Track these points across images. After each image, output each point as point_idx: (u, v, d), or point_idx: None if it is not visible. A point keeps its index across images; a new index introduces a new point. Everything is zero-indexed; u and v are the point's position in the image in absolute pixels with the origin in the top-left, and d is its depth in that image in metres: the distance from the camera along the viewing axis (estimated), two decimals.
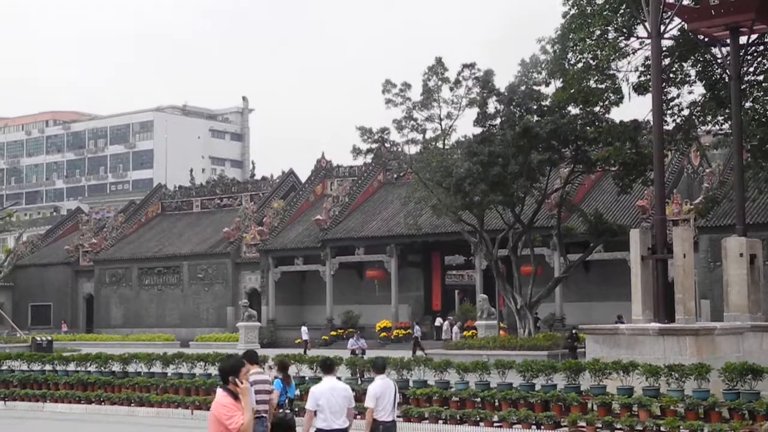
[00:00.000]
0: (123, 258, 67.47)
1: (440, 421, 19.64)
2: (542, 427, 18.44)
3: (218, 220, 67.00)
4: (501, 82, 36.27)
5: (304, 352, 39.17)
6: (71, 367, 25.98)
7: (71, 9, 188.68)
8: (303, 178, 66.94)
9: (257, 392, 12.17)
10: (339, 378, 13.30)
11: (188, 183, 75.32)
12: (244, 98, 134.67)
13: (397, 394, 12.42)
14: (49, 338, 49.45)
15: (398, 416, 19.58)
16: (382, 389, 12.06)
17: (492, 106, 36.10)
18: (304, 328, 49.86)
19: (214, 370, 23.73)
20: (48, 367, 26.19)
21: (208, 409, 21.72)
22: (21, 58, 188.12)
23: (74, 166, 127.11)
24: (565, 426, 18.26)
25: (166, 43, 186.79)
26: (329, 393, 11.44)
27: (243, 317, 54.93)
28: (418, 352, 39.28)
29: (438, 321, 52.71)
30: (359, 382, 21.29)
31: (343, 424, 11.42)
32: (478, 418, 19.23)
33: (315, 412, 11.37)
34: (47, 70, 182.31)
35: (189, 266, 64.07)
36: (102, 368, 25.14)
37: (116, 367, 24.94)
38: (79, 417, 23.24)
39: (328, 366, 11.93)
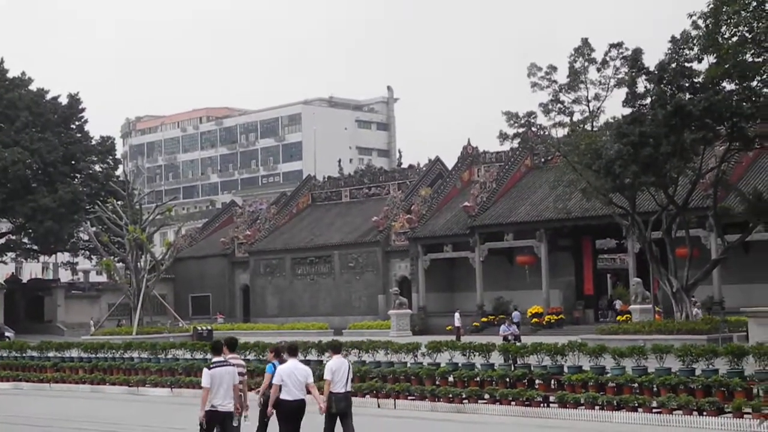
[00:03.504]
0: (276, 249, 69.16)
1: (597, 407, 19.37)
2: (704, 413, 17.92)
3: (367, 209, 67.81)
4: (650, 61, 35.29)
5: (457, 338, 39.23)
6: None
7: (218, 12, 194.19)
8: (449, 166, 66.97)
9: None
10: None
11: (337, 173, 76.53)
12: (389, 88, 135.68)
13: (350, 372, 15.08)
14: (210, 328, 51.24)
15: (553, 402, 19.61)
16: (337, 366, 14.79)
17: (641, 85, 35.15)
18: (456, 315, 49.91)
19: (368, 357, 24.09)
20: (209, 356, 27.06)
21: (363, 395, 22.18)
22: (174, 57, 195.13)
23: (227, 161, 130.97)
24: (728, 412, 17.69)
25: (310, 36, 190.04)
26: (290, 370, 14.12)
27: (394, 305, 55.53)
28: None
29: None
30: (512, 368, 21.22)
31: (301, 395, 14.14)
32: (636, 404, 18.87)
33: (280, 387, 14.05)
34: (199, 69, 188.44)
35: (340, 255, 65.13)
36: (260, 356, 25.86)
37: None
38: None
39: (293, 350, 14.58)
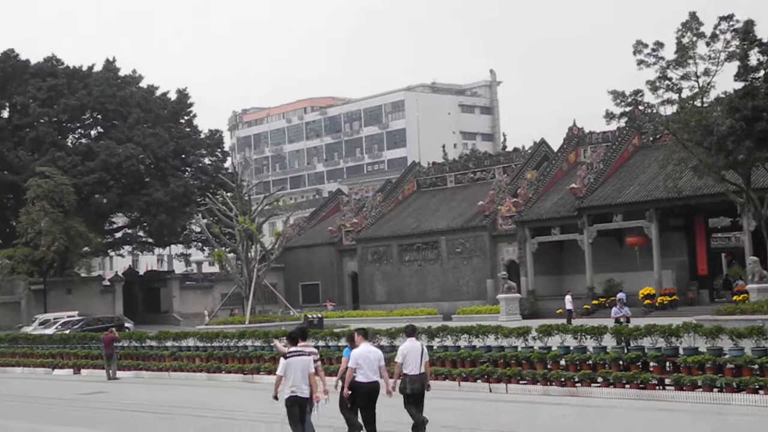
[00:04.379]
0: (383, 236, 69.52)
1: (715, 389, 18.94)
2: None
3: (472, 193, 67.55)
4: (763, 33, 34.18)
5: (568, 321, 38.75)
6: (342, 342, 27.09)
7: (318, 4, 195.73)
8: (555, 148, 66.16)
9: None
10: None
11: (441, 159, 76.42)
12: (491, 71, 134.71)
13: (424, 355, 15.64)
14: (320, 315, 51.79)
15: (669, 384, 19.25)
16: (409, 348, 15.53)
17: (754, 58, 34.12)
18: (567, 297, 49.35)
19: (479, 342, 24.05)
20: (321, 343, 27.41)
21: (474, 380, 22.16)
22: (277, 49, 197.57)
23: (332, 150, 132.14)
24: None
25: (413, 23, 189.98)
26: (365, 354, 14.89)
27: (503, 289, 55.20)
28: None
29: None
30: (625, 351, 20.88)
31: (375, 377, 14.85)
32: (757, 386, 18.36)
33: (355, 370, 14.80)
34: (302, 60, 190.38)
35: (447, 241, 65.08)
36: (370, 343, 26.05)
37: (384, 342, 25.76)
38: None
39: (365, 334, 15.47)
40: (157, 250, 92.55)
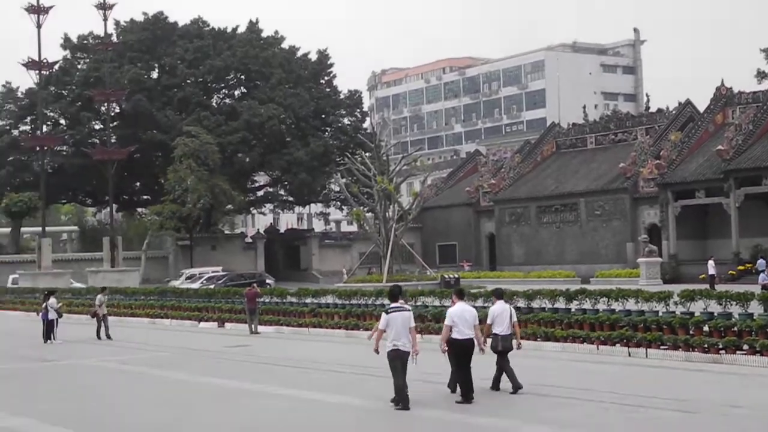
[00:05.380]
0: (521, 197, 68.98)
1: None
2: None
3: (613, 155, 66.18)
4: None
5: (711, 286, 37.76)
6: (479, 302, 27.10)
7: None
8: (700, 108, 64.04)
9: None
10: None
11: (581, 120, 75.09)
12: (635, 30, 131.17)
13: (513, 316, 17.04)
14: (457, 276, 51.99)
15: None
16: (499, 311, 16.92)
17: None
18: (710, 263, 48.00)
19: (618, 306, 23.69)
20: (446, 304, 27.46)
21: (613, 344, 21.88)
22: (416, 9, 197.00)
23: (470, 110, 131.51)
24: None
25: None
26: (460, 313, 15.84)
27: (643, 253, 54.11)
28: None
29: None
30: None
31: (471, 334, 15.78)
32: None
33: (451, 327, 15.74)
34: (440, 18, 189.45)
35: (586, 203, 64.10)
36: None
37: (521, 303, 25.67)
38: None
39: (459, 293, 16.68)
40: (297, 209, 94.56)
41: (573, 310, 24.56)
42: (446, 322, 15.94)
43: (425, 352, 16.78)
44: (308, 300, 33.50)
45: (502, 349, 16.75)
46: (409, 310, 15.66)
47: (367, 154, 58.11)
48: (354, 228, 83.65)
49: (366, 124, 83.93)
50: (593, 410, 14.99)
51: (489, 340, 16.81)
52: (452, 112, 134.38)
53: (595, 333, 22.99)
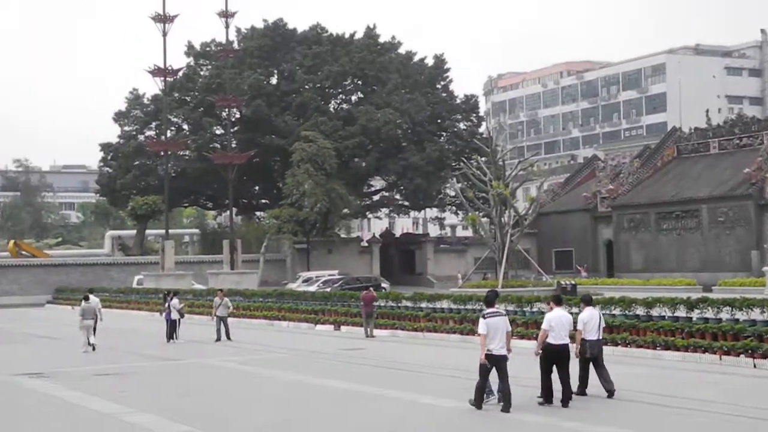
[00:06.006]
0: (640, 203, 67.64)
1: None
2: None
3: (737, 160, 64.30)
4: None
5: None
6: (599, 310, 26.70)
7: None
8: None
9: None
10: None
11: (704, 124, 73.19)
12: (762, 31, 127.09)
13: (602, 322, 17.20)
14: (573, 282, 51.25)
15: None
16: (589, 317, 17.01)
17: None
18: None
19: (742, 315, 23.01)
20: (575, 310, 27.17)
21: (737, 355, 21.25)
22: (535, 11, 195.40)
23: (588, 115, 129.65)
24: None
25: None
26: (558, 318, 16.29)
27: None
28: None
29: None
30: None
31: (567, 340, 16.28)
32: None
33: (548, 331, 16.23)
34: (560, 23, 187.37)
35: (708, 209, 62.45)
36: (626, 311, 25.60)
37: (640, 311, 25.21)
38: (606, 359, 23.83)
39: (557, 299, 16.96)
40: (412, 213, 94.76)
41: (694, 319, 23.96)
42: (543, 326, 16.39)
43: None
44: (423, 304, 33.57)
45: (590, 355, 16.94)
46: (505, 315, 16.14)
47: (483, 158, 57.89)
48: (469, 233, 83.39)
49: (482, 129, 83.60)
50: (714, 421, 14.61)
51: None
52: (570, 117, 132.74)
53: (717, 343, 22.40)
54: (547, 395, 16.19)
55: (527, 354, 25.05)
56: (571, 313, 23.76)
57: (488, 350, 15.51)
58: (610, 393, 16.75)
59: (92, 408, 17.33)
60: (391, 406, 17.06)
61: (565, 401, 16.03)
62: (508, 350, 15.76)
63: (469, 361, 23.06)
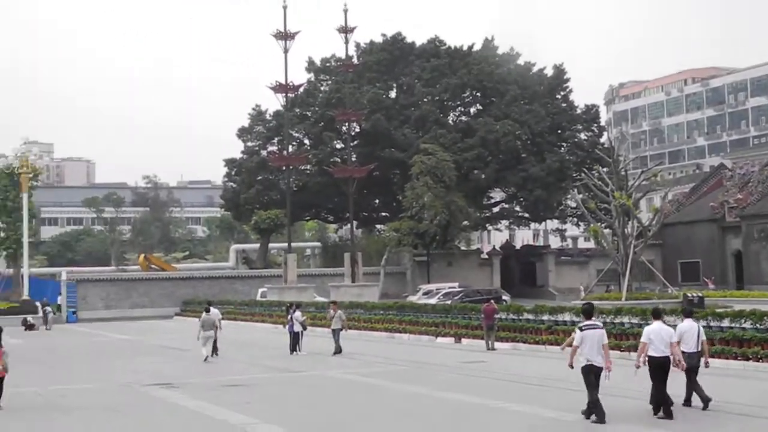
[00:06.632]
0: None
1: None
2: None
3: None
4: None
5: None
6: (725, 323, 25.95)
7: None
8: None
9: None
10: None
11: None
12: None
13: (701, 334, 17.18)
14: (700, 294, 49.88)
15: None
16: (687, 328, 17.12)
17: None
18: None
19: None
20: (702, 323, 26.41)
21: None
22: (657, 19, 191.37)
23: (714, 122, 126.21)
24: None
25: None
26: (657, 331, 16.60)
27: None
28: None
29: None
30: None
31: (667, 352, 16.45)
32: None
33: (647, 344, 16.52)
34: (682, 29, 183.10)
35: None
36: (757, 325, 24.78)
37: None
38: (736, 373, 23.18)
39: (656, 313, 17.39)
40: (532, 225, 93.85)
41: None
42: (642, 339, 16.78)
43: (643, 369, 16.82)
44: (545, 317, 33.19)
45: (689, 366, 17.04)
46: (601, 327, 16.46)
47: (605, 169, 56.95)
48: (591, 244, 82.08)
49: (603, 139, 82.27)
50: None
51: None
52: (694, 125, 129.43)
53: None
54: (656, 406, 16.45)
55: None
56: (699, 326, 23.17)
57: (588, 360, 15.91)
58: (686, 402, 17.16)
59: (218, 418, 17.72)
60: (512, 419, 16.93)
61: (667, 412, 16.24)
62: (608, 364, 16.00)
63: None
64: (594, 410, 15.90)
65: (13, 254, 73.72)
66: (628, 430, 15.18)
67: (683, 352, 16.95)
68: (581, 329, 16.16)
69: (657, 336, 16.56)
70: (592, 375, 15.93)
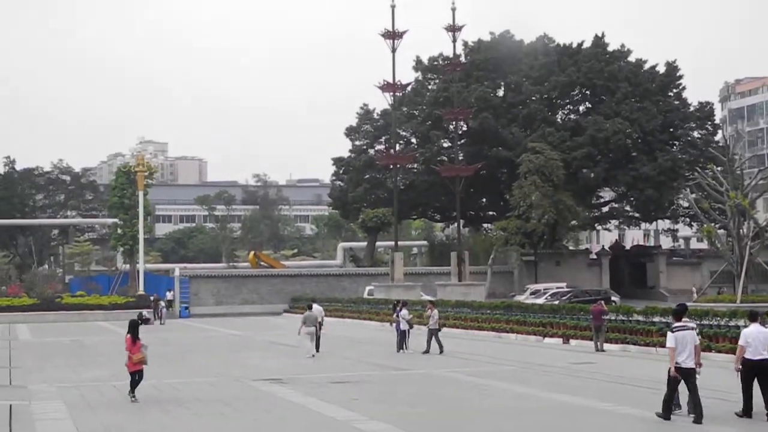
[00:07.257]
0: None
1: None
2: None
3: None
4: None
5: None
6: None
7: None
8: None
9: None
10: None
11: None
12: None
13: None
14: None
15: None
16: (754, 334, 16.45)
17: None
18: None
19: None
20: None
21: None
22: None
23: None
24: None
25: None
26: (755, 334, 16.37)
27: None
28: None
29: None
30: None
31: (766, 354, 16.11)
32: None
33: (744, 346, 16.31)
34: None
35: None
36: None
37: None
38: None
39: (753, 315, 16.99)
40: (643, 225, 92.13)
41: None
42: (740, 342, 16.56)
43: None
44: (656, 319, 32.56)
45: (755, 373, 16.67)
46: (693, 328, 16.51)
47: (719, 168, 55.53)
48: (704, 245, 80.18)
49: (718, 137, 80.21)
50: None
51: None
52: None
53: None
54: (745, 408, 16.35)
55: None
56: None
57: (677, 363, 15.96)
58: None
59: (327, 414, 17.97)
60: (622, 422, 16.72)
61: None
62: (698, 364, 16.19)
63: (703, 378, 22.21)
64: (665, 409, 16.18)
65: (129, 250, 76.12)
66: (720, 430, 15.30)
67: (747, 359, 16.61)
68: (672, 331, 16.27)
69: (755, 339, 16.39)
70: (680, 376, 16.02)
